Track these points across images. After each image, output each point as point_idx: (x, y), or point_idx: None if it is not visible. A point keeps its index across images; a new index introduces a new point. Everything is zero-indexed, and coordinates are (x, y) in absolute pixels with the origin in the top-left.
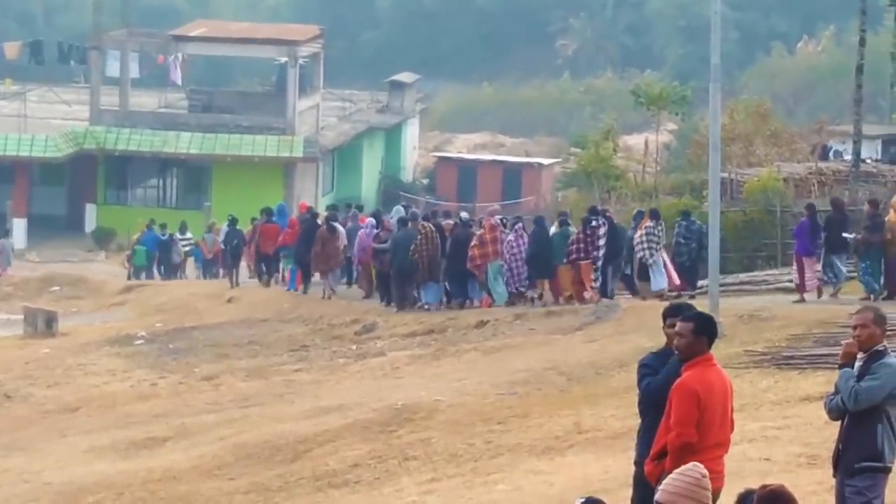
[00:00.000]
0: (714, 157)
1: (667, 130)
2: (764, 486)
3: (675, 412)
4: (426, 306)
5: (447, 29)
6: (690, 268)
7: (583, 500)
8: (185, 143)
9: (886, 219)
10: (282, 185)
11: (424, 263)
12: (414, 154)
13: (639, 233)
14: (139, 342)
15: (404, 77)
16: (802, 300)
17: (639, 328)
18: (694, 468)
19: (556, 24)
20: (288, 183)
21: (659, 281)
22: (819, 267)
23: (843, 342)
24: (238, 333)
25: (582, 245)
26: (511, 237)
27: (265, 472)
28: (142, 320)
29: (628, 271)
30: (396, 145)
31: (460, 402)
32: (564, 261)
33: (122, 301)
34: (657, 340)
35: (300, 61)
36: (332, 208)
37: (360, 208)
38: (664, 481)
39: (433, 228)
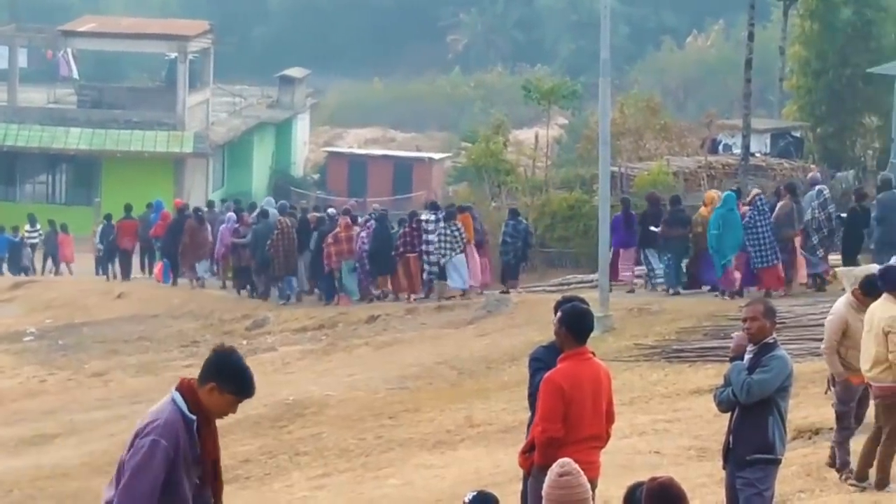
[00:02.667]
0: (604, 151)
1: (557, 125)
2: (653, 479)
3: (540, 407)
4: (282, 301)
5: (337, 24)
6: (515, 265)
7: (474, 493)
8: (75, 139)
9: (697, 213)
10: (172, 181)
11: (280, 257)
12: (305, 149)
13: (437, 232)
14: (28, 338)
15: (294, 72)
16: (632, 290)
17: (529, 322)
18: (551, 472)
19: (446, 20)
20: (178, 178)
21: (456, 280)
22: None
23: (733, 335)
24: (128, 329)
25: (409, 239)
26: (363, 234)
27: None
28: (31, 316)
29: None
30: (287, 140)
31: (351, 396)
32: (393, 253)
33: (10, 297)
34: (547, 334)
35: (190, 56)
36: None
37: (238, 203)
38: (544, 492)
39: (289, 224)
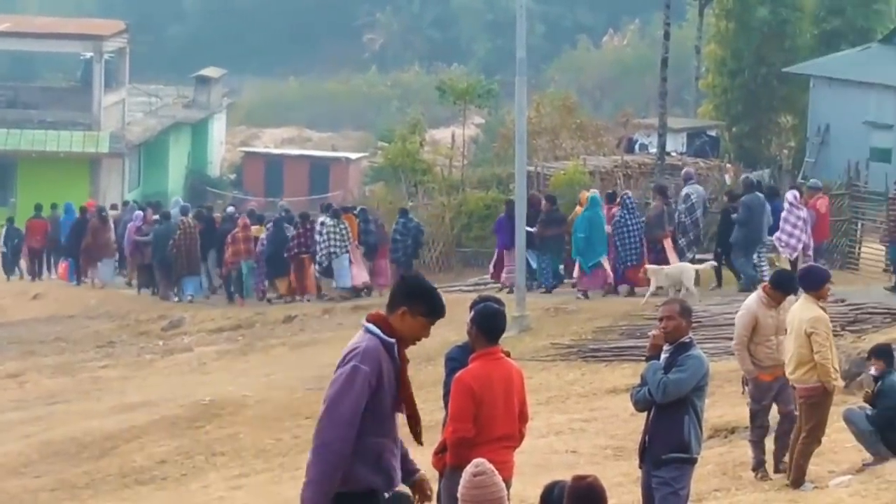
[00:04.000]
0: (520, 150)
1: (474, 124)
2: (578, 478)
3: (451, 407)
4: (188, 298)
5: (253, 23)
6: (405, 264)
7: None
8: None
9: (573, 213)
10: (88, 181)
11: (182, 257)
12: (221, 149)
13: (324, 231)
14: None
15: (210, 72)
16: (503, 287)
17: (446, 322)
18: (465, 473)
19: (362, 18)
20: (94, 179)
21: (343, 279)
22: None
23: (649, 334)
24: (44, 330)
25: (302, 240)
26: (263, 236)
27: (71, 469)
28: None
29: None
30: (203, 140)
31: (268, 397)
32: (286, 255)
33: None
34: (464, 334)
35: (105, 56)
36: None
37: (156, 204)
38: (459, 493)
39: (191, 224)
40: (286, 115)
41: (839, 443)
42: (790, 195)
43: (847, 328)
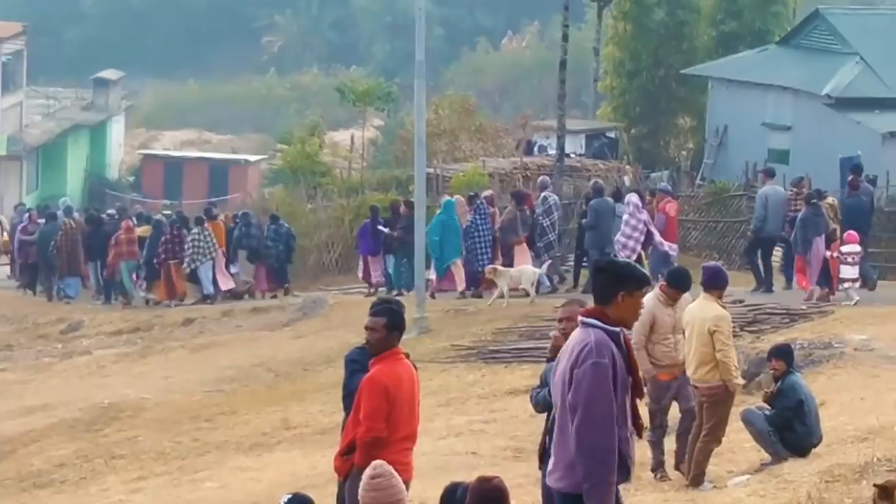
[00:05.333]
0: (419, 152)
1: (373, 126)
2: (484, 479)
3: (365, 406)
4: (66, 300)
5: (152, 26)
6: (279, 269)
7: (289, 496)
8: None
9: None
10: None
11: (64, 258)
12: (120, 151)
13: (189, 239)
14: None
15: (109, 74)
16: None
17: (345, 323)
18: (364, 475)
19: (261, 21)
20: None
21: (207, 286)
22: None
23: (551, 335)
24: None
25: (170, 246)
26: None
27: None
28: None
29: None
30: (102, 143)
31: (167, 399)
32: (155, 261)
33: None
34: (362, 335)
35: (3, 58)
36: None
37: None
38: (359, 495)
39: (73, 225)
40: (185, 117)
41: (738, 443)
42: (633, 199)
43: (745, 329)
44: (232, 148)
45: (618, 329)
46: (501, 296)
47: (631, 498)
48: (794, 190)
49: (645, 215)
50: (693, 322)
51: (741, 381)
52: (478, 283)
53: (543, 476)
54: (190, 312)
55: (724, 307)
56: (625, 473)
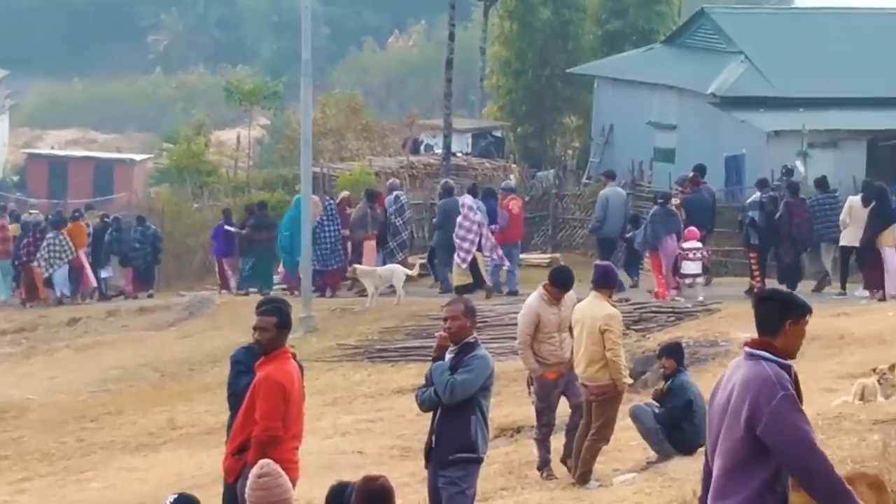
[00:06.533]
0: (305, 151)
1: (259, 125)
2: (369, 479)
3: (262, 406)
4: None
5: (35, 24)
6: (146, 271)
7: (175, 496)
8: None
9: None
10: None
11: None
12: (4, 151)
13: (44, 243)
14: None
15: None
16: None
17: (232, 323)
18: (251, 475)
19: (147, 20)
20: None
21: (63, 288)
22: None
23: (436, 335)
24: None
25: (31, 248)
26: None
27: None
28: None
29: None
30: None
31: (52, 400)
32: (16, 263)
33: None
34: (249, 334)
35: None
36: None
37: None
38: (246, 494)
39: None
40: (70, 116)
41: (624, 441)
42: (466, 200)
43: (632, 327)
44: (117, 147)
45: (789, 363)
46: (370, 294)
47: (517, 496)
48: (679, 189)
49: (479, 216)
50: (583, 320)
51: (630, 381)
52: (325, 283)
53: (431, 474)
54: (75, 312)
55: (614, 306)
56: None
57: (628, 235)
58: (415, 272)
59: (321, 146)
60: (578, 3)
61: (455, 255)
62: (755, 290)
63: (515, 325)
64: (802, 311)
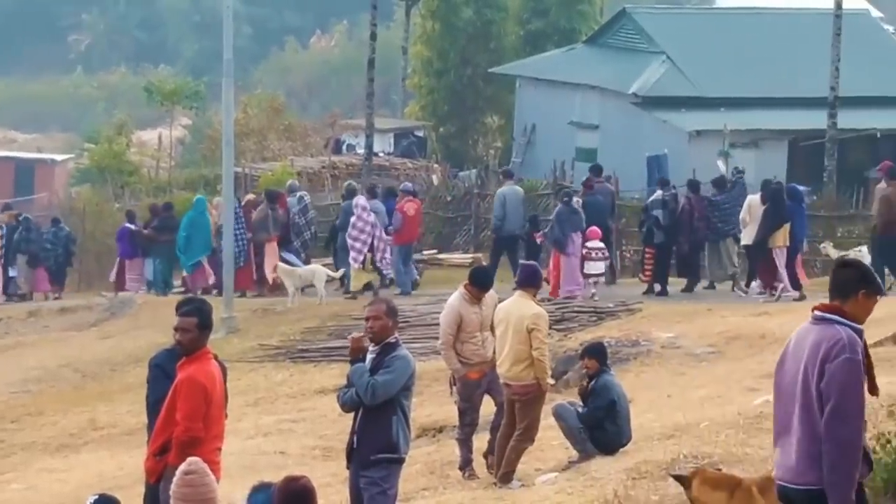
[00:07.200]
0: (227, 151)
1: (181, 125)
2: (291, 479)
3: (183, 406)
4: None
5: None
6: (57, 271)
7: (96, 497)
8: None
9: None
10: None
11: None
12: None
13: None
14: None
15: None
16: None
17: (153, 323)
18: (178, 472)
19: (68, 19)
20: None
21: None
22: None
23: (348, 337)
24: None
25: None
26: None
27: None
28: None
29: None
30: None
31: None
32: None
33: None
34: (169, 335)
35: None
36: None
37: None
38: (171, 491)
39: None
40: None
41: (546, 441)
42: (360, 201)
43: (554, 327)
44: (38, 147)
45: (862, 327)
46: (290, 294)
47: (439, 496)
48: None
49: (373, 217)
50: (509, 319)
51: (552, 382)
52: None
53: (352, 475)
54: None
55: (539, 305)
56: (868, 467)
57: (537, 235)
58: (338, 273)
59: (243, 146)
60: (500, 3)
61: (348, 255)
62: (648, 285)
63: (437, 325)
64: (876, 287)
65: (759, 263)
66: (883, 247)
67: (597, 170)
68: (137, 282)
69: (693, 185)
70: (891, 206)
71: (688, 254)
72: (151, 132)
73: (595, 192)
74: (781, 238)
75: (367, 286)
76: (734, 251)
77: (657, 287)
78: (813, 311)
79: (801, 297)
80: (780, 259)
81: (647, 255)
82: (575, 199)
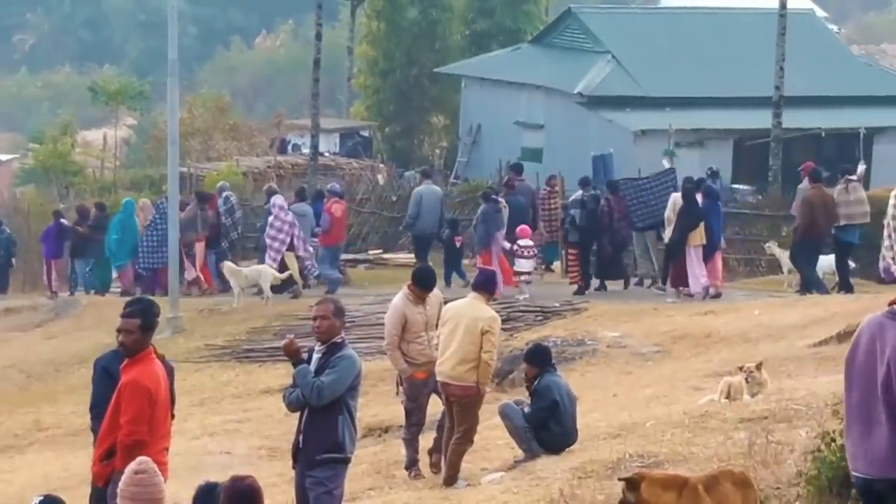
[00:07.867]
0: (172, 151)
1: (126, 126)
2: (237, 479)
3: (127, 410)
4: None
5: None
6: (0, 273)
7: (41, 498)
8: None
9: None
10: None
11: None
12: None
13: None
14: None
15: None
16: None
17: (98, 324)
18: (127, 471)
19: (12, 19)
20: None
21: None
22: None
23: (282, 342)
24: None
25: None
26: None
27: None
28: None
29: None
30: None
31: None
32: None
33: None
34: (113, 335)
35: None
36: None
37: None
38: (119, 490)
39: None
40: None
41: (492, 440)
42: (278, 200)
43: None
44: None
45: None
46: (235, 294)
47: (385, 496)
48: (548, 189)
49: (290, 216)
50: (460, 319)
51: (489, 389)
52: (156, 282)
53: (298, 475)
54: None
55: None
56: None
57: (457, 238)
58: (285, 275)
59: (188, 146)
60: (446, 3)
61: (265, 256)
62: (577, 286)
63: (383, 324)
64: None
65: (673, 263)
66: (803, 248)
67: (518, 169)
68: (60, 281)
69: (612, 186)
70: (812, 209)
71: (612, 255)
72: (96, 132)
73: (516, 192)
74: (698, 237)
75: (284, 285)
76: (654, 247)
77: (595, 283)
78: (890, 304)
79: (717, 295)
80: (697, 258)
81: (570, 256)
82: (499, 197)
